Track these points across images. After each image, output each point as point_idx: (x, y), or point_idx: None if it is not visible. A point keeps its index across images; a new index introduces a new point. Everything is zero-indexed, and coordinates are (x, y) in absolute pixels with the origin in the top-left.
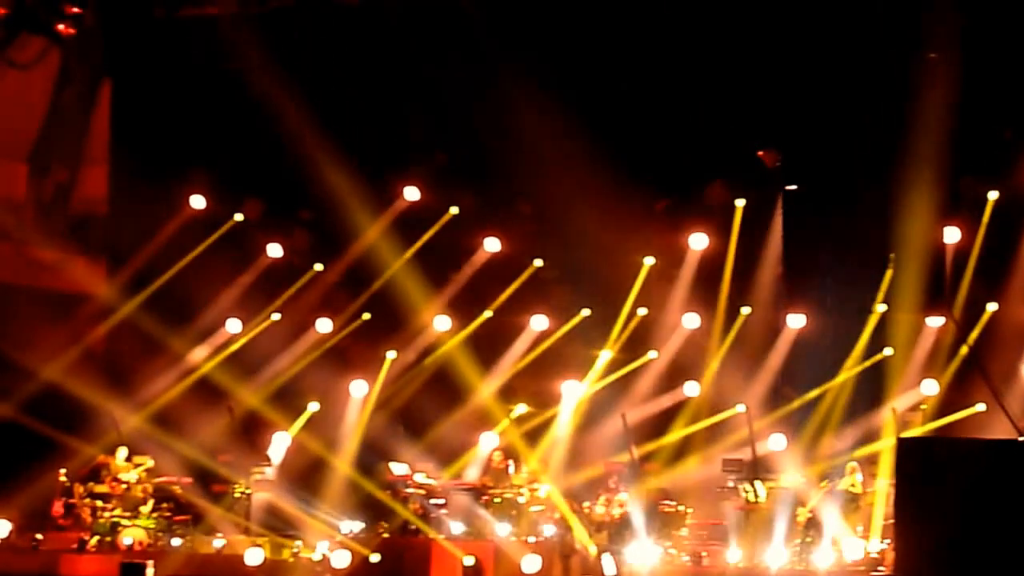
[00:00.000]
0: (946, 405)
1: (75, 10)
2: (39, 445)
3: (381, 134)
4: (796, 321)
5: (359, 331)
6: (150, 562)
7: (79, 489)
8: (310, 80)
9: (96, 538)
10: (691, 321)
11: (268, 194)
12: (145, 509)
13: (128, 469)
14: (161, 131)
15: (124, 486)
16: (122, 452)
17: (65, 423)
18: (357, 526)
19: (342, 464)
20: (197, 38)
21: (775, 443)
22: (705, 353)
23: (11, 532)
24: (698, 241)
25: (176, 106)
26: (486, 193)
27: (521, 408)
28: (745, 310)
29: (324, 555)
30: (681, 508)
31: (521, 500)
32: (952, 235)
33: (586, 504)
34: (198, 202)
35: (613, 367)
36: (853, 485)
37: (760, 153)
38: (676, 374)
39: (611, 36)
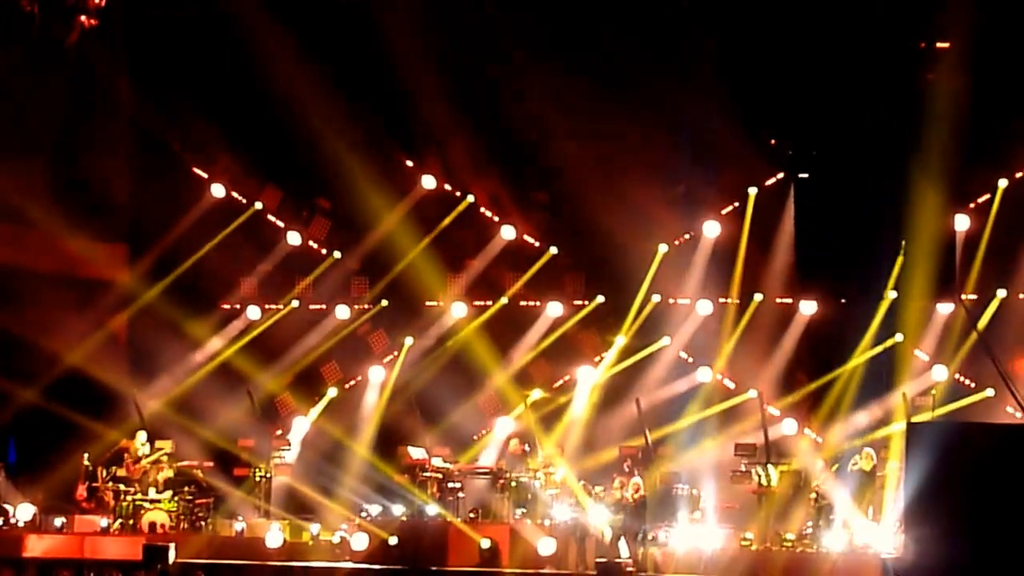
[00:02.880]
0: (956, 390)
1: (96, 1)
2: (63, 430)
3: (399, 122)
4: (808, 307)
5: (377, 317)
6: (172, 544)
7: (102, 473)
8: (328, 68)
9: (119, 521)
10: (704, 308)
11: (287, 182)
12: (167, 493)
13: (147, 453)
14: (181, 120)
15: (143, 470)
16: (141, 436)
17: (88, 408)
18: (375, 509)
19: (360, 448)
20: (217, 28)
21: (787, 427)
22: (718, 339)
23: (35, 515)
24: (711, 229)
25: (196, 95)
26: (502, 181)
27: (537, 393)
28: (758, 296)
29: (343, 537)
30: (695, 492)
31: (537, 484)
32: (962, 222)
33: (601, 488)
34: (218, 190)
35: (627, 353)
36: (865, 466)
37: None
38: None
39: (627, 24)
